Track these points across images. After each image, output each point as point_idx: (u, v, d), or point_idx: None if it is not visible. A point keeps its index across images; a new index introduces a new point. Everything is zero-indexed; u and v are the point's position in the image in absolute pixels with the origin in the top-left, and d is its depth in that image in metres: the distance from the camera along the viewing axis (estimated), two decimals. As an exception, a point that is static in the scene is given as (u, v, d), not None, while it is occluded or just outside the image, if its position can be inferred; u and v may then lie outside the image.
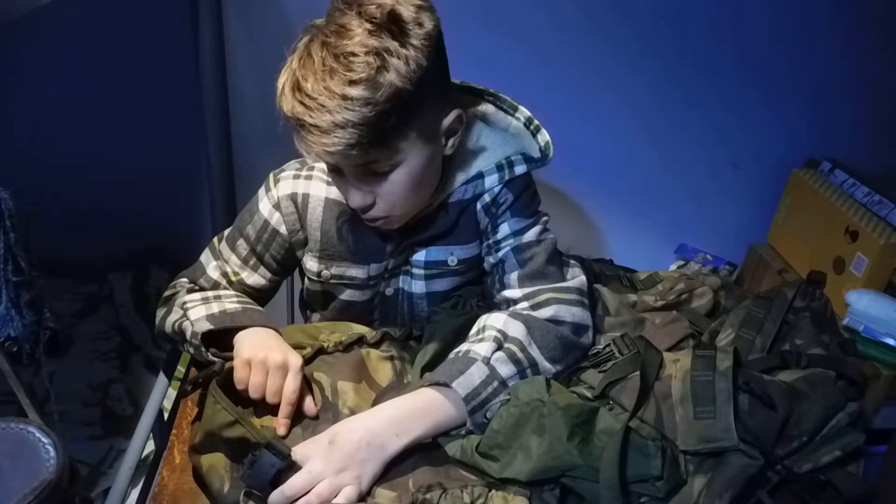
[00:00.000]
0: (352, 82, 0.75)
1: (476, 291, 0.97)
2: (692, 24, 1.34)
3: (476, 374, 0.79)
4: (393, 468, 0.76)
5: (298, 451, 0.74)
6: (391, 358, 0.89)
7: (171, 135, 1.39)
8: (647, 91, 1.39)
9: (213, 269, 0.96)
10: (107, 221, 1.44)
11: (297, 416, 0.82)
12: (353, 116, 0.75)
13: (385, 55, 0.76)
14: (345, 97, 0.75)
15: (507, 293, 0.90)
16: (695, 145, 1.46)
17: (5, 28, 1.01)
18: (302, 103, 0.77)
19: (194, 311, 0.88)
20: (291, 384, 0.80)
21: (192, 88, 1.31)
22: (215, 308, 0.88)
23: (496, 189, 0.92)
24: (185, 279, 0.97)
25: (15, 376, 0.77)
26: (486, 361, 0.80)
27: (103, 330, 1.43)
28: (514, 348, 0.82)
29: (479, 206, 0.93)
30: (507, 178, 0.92)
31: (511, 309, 0.88)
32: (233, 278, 0.95)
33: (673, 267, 1.53)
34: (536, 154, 0.94)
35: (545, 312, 0.86)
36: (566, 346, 0.86)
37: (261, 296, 0.98)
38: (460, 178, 0.92)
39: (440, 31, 0.82)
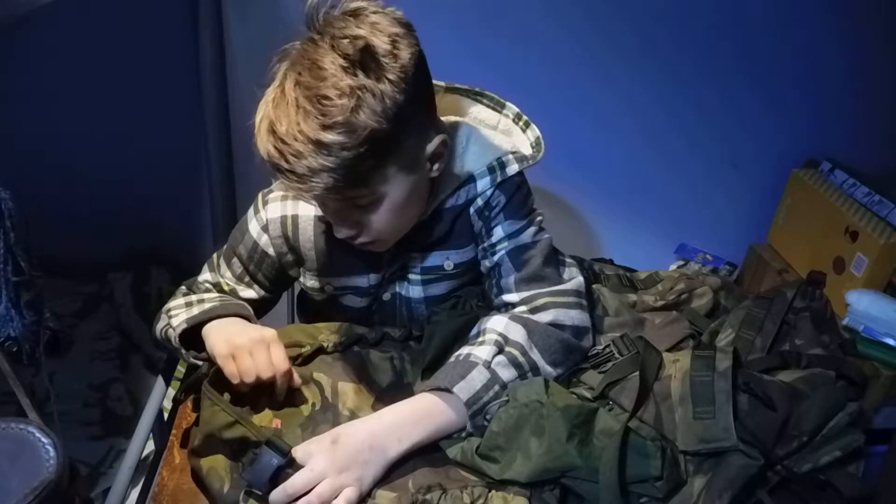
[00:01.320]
0: (326, 127, 0.73)
1: (476, 291, 0.96)
2: (692, 24, 1.34)
3: (477, 378, 0.79)
4: (393, 469, 0.76)
5: (300, 450, 0.74)
6: (391, 358, 0.89)
7: (171, 135, 1.39)
8: (647, 91, 1.39)
9: (204, 281, 0.96)
10: (107, 221, 1.44)
11: (297, 416, 0.82)
12: (328, 162, 0.74)
13: (360, 94, 0.73)
14: (319, 143, 0.73)
15: (506, 297, 0.90)
16: (695, 145, 1.46)
17: (5, 28, 1.01)
18: (276, 148, 0.75)
19: (177, 318, 0.88)
20: (277, 354, 0.80)
21: (192, 88, 1.31)
22: (195, 310, 0.88)
23: (488, 192, 0.90)
24: (184, 287, 0.98)
25: (15, 376, 0.77)
26: (488, 365, 0.80)
27: (103, 330, 1.43)
28: (516, 352, 0.82)
29: (472, 210, 0.92)
30: (498, 179, 0.90)
31: (511, 312, 0.88)
32: (226, 289, 0.95)
33: (673, 267, 1.53)
34: (528, 150, 0.92)
35: (545, 317, 0.86)
36: (567, 350, 0.85)
37: (255, 308, 0.97)
38: (452, 184, 0.90)
39: (420, 58, 0.79)
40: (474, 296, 0.96)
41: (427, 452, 0.78)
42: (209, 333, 0.85)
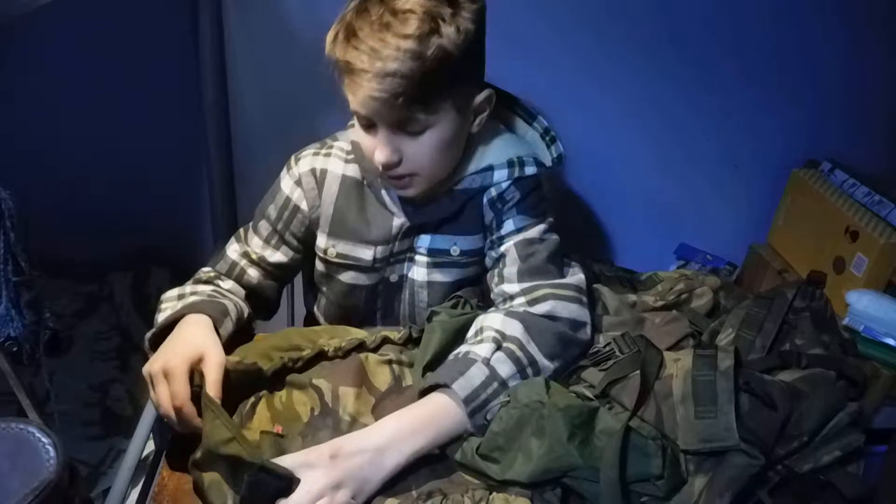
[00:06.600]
0: (405, 36, 0.80)
1: (476, 292, 0.97)
2: (691, 25, 1.34)
3: (476, 375, 0.79)
4: (395, 476, 0.75)
5: (298, 458, 0.72)
6: (389, 362, 0.88)
7: (170, 135, 1.39)
8: (646, 92, 1.39)
9: (232, 252, 0.99)
10: (107, 221, 1.44)
11: (297, 423, 0.81)
12: (402, 67, 0.80)
13: (439, 20, 0.81)
14: (398, 48, 0.80)
15: (506, 287, 0.91)
16: (695, 146, 1.46)
17: (5, 28, 1.01)
18: (356, 48, 0.81)
19: (163, 313, 0.89)
20: (172, 389, 0.78)
21: (192, 88, 1.31)
22: (179, 305, 0.89)
23: (504, 185, 0.94)
24: (207, 267, 0.99)
25: (15, 376, 0.77)
26: (486, 362, 0.80)
27: (103, 330, 1.43)
28: (513, 347, 0.82)
29: (485, 199, 0.95)
30: (516, 175, 0.94)
31: (507, 307, 0.89)
32: (254, 257, 0.99)
33: (673, 267, 1.53)
34: (548, 163, 0.97)
35: (541, 308, 0.87)
36: (564, 343, 0.86)
37: (284, 274, 1.02)
38: (471, 167, 0.95)
39: (485, 9, 0.87)
40: (474, 296, 0.96)
41: (428, 456, 0.78)
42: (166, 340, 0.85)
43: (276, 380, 0.85)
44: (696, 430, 0.75)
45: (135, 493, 0.94)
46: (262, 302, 1.02)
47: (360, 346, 0.89)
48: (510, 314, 0.86)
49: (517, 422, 0.76)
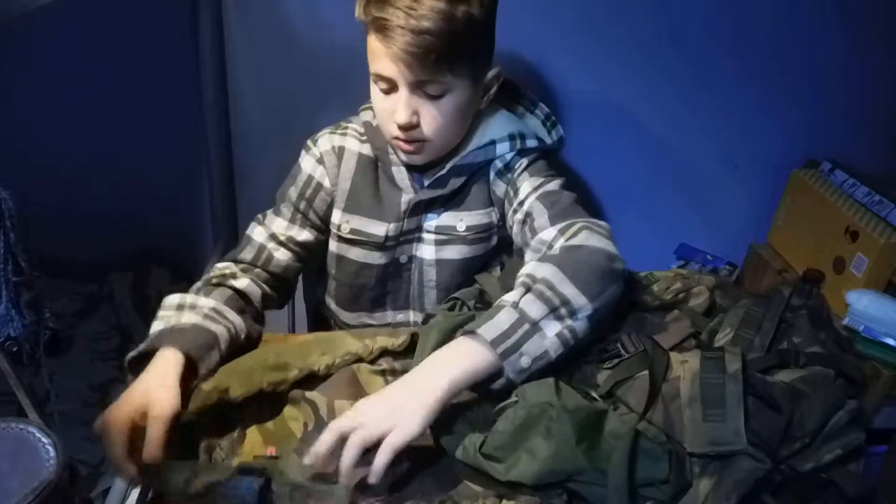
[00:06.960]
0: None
1: (474, 293, 0.96)
2: (691, 25, 1.34)
3: (504, 318, 0.77)
4: (402, 485, 0.74)
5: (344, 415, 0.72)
6: (382, 373, 0.87)
7: (170, 135, 1.39)
8: (646, 92, 1.39)
9: (258, 235, 1.01)
10: (107, 221, 1.44)
11: (291, 440, 0.79)
12: (434, 26, 0.86)
13: None
14: (431, 9, 0.86)
15: (542, 235, 0.90)
16: (695, 145, 1.46)
17: (5, 28, 1.01)
18: (393, 6, 0.87)
19: (158, 321, 0.85)
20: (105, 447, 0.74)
21: (192, 88, 1.31)
22: (173, 321, 0.84)
23: (508, 156, 1.00)
24: (224, 262, 0.99)
25: (15, 376, 0.77)
26: (515, 305, 0.78)
27: (103, 330, 1.43)
28: (542, 287, 0.79)
29: (492, 174, 1.01)
30: (518, 147, 0.99)
31: (544, 252, 0.88)
32: (281, 238, 1.01)
33: (673, 267, 1.53)
34: (549, 142, 1.02)
35: (576, 240, 0.85)
36: (604, 279, 0.82)
37: (308, 256, 1.04)
38: (473, 143, 1.00)
39: None
40: (472, 297, 0.95)
41: (435, 466, 0.76)
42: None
43: (266, 401, 0.82)
44: (703, 433, 0.74)
45: (135, 493, 0.94)
46: (284, 287, 1.04)
47: (356, 362, 0.87)
48: (544, 258, 0.84)
49: (524, 422, 0.74)
